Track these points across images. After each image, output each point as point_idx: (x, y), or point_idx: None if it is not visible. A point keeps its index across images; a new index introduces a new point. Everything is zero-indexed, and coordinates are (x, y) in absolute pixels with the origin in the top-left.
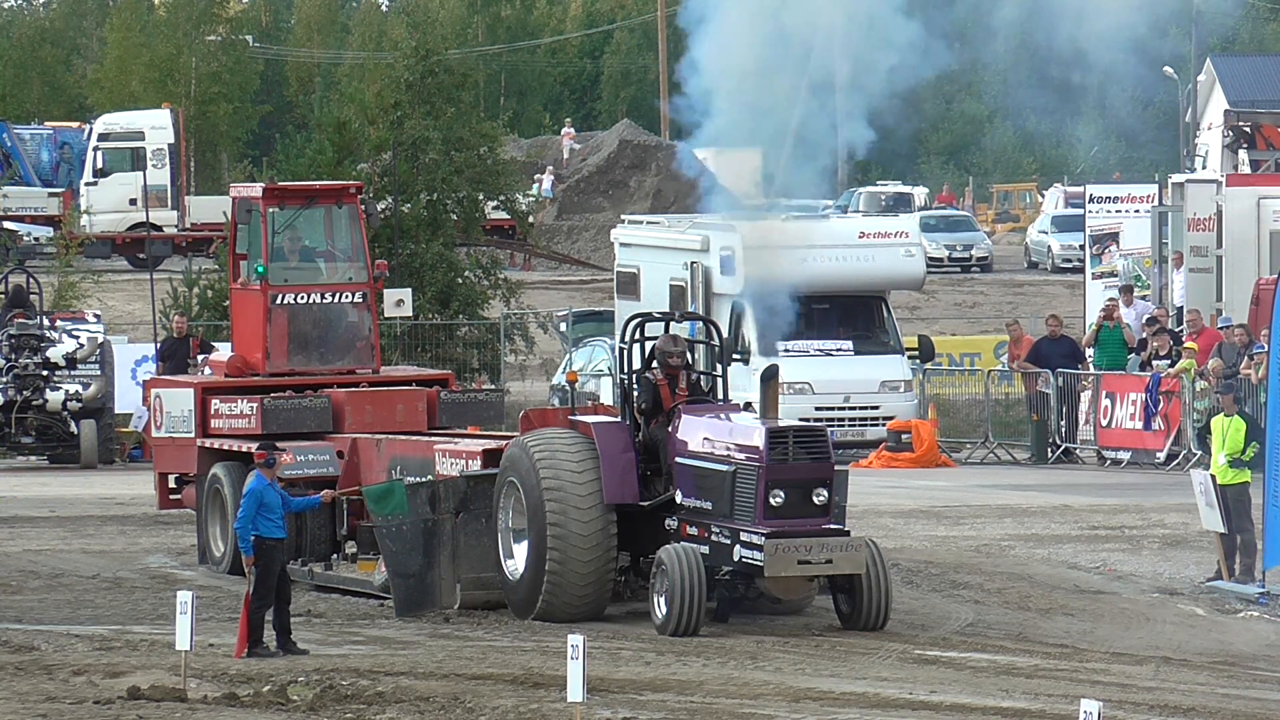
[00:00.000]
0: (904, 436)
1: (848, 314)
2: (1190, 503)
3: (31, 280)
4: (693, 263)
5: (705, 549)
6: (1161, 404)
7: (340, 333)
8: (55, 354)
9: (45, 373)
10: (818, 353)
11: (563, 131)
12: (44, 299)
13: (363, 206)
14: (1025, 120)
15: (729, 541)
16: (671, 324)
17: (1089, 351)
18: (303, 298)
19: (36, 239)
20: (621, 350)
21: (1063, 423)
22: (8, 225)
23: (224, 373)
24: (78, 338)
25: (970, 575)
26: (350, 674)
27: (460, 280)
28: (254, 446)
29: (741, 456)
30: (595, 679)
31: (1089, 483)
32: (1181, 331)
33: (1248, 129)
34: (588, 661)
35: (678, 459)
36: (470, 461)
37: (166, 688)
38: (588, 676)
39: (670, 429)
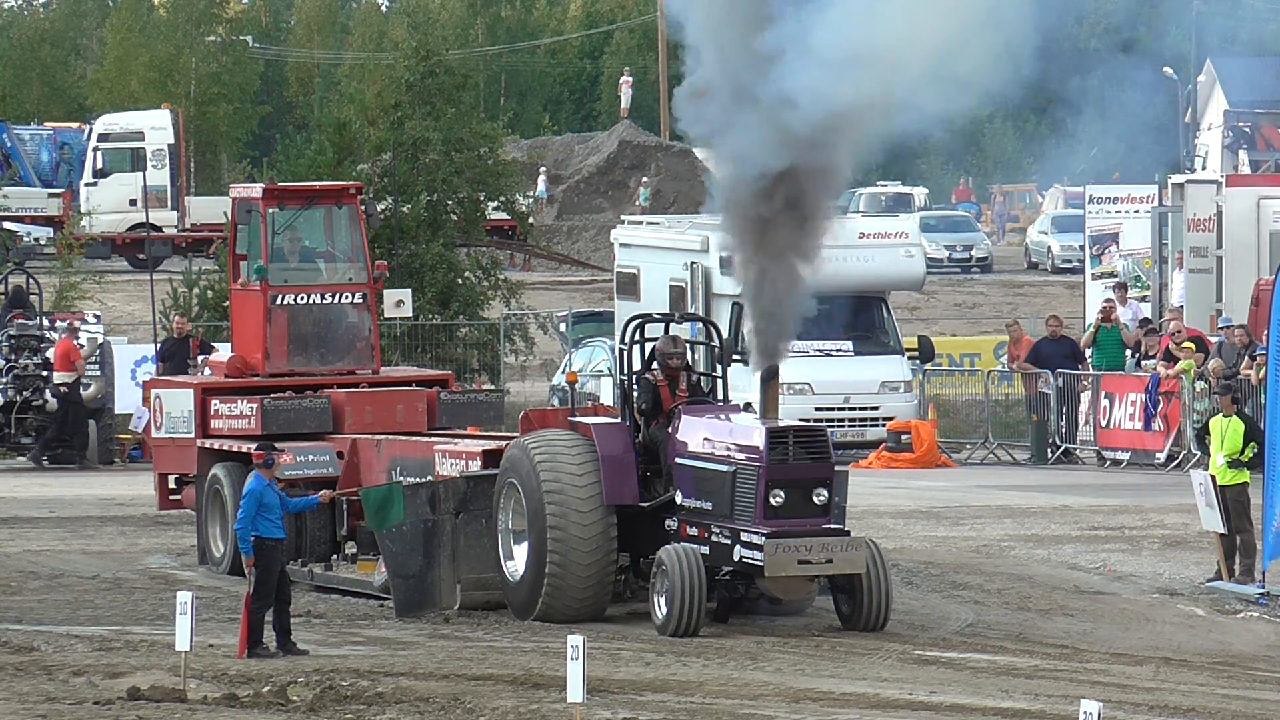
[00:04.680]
0: (904, 437)
1: (848, 314)
2: (1190, 503)
3: (31, 281)
4: (693, 263)
5: (705, 549)
6: (1161, 405)
7: (340, 333)
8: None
9: (45, 373)
10: (817, 353)
11: (621, 80)
12: (44, 299)
13: (362, 207)
14: (1025, 120)
15: (729, 542)
16: (671, 325)
17: (1088, 352)
18: (303, 298)
19: (36, 239)
20: (621, 351)
21: (1062, 423)
22: (7, 226)
23: (224, 373)
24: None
25: (970, 576)
26: (350, 675)
27: (460, 281)
28: (253, 447)
29: (741, 457)
30: (595, 679)
31: (1089, 483)
32: (1161, 329)
33: (1247, 129)
34: (588, 662)
35: (677, 459)
36: (470, 462)
37: (166, 688)
38: (588, 677)
39: (670, 430)
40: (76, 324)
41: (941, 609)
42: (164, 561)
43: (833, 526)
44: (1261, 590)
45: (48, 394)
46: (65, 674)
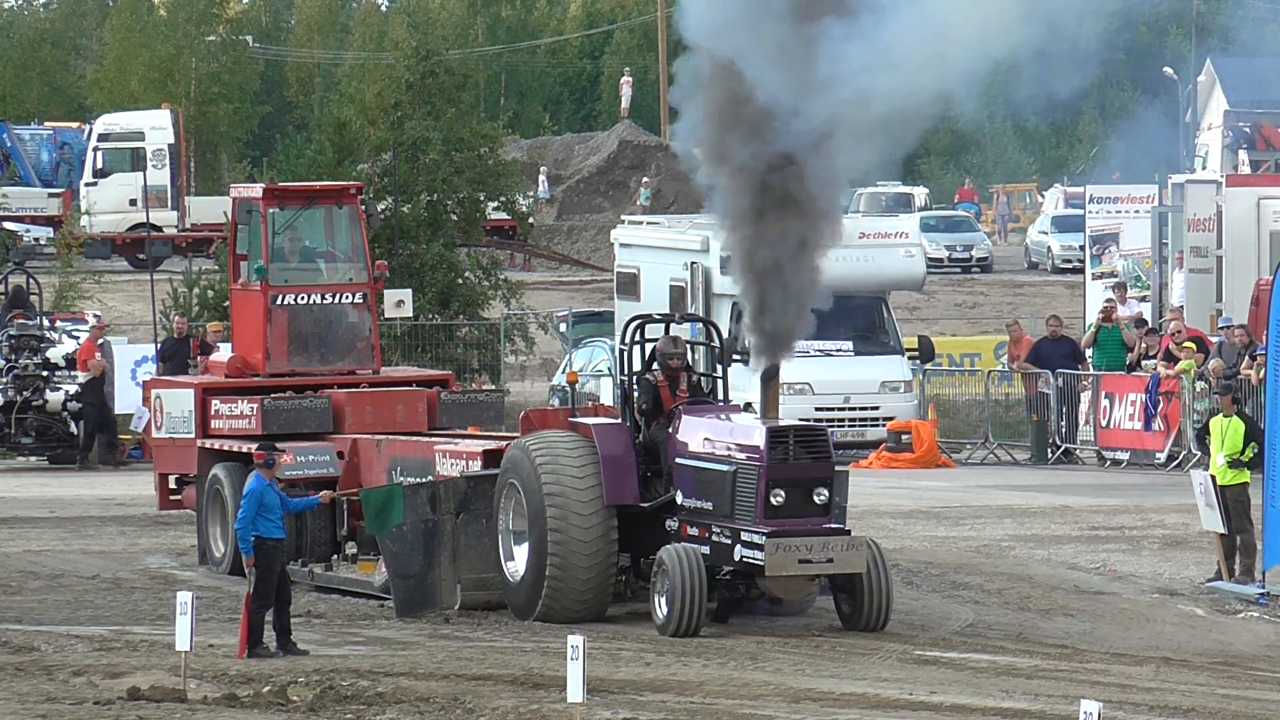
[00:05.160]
0: (904, 437)
1: (848, 314)
2: (1190, 503)
3: (31, 281)
4: (693, 263)
5: (706, 549)
6: (1161, 405)
7: (340, 333)
8: (55, 354)
9: (45, 373)
10: (818, 353)
11: (622, 80)
12: (44, 299)
13: (363, 207)
14: (1025, 121)
15: (729, 541)
16: (671, 325)
17: (1088, 352)
18: (303, 298)
19: (36, 239)
20: (622, 352)
21: (1063, 423)
22: (7, 226)
23: (224, 373)
24: (77, 338)
25: (970, 576)
26: (350, 674)
27: (460, 281)
28: (253, 447)
29: (742, 456)
30: (595, 679)
31: (1089, 483)
32: (1160, 329)
33: (1248, 129)
34: (588, 662)
35: (678, 460)
36: (470, 462)
37: (166, 688)
38: (588, 677)
39: (670, 430)
40: (91, 321)
41: (942, 609)
42: (164, 561)
43: (833, 526)
44: (1262, 590)
45: (47, 394)
46: (65, 674)
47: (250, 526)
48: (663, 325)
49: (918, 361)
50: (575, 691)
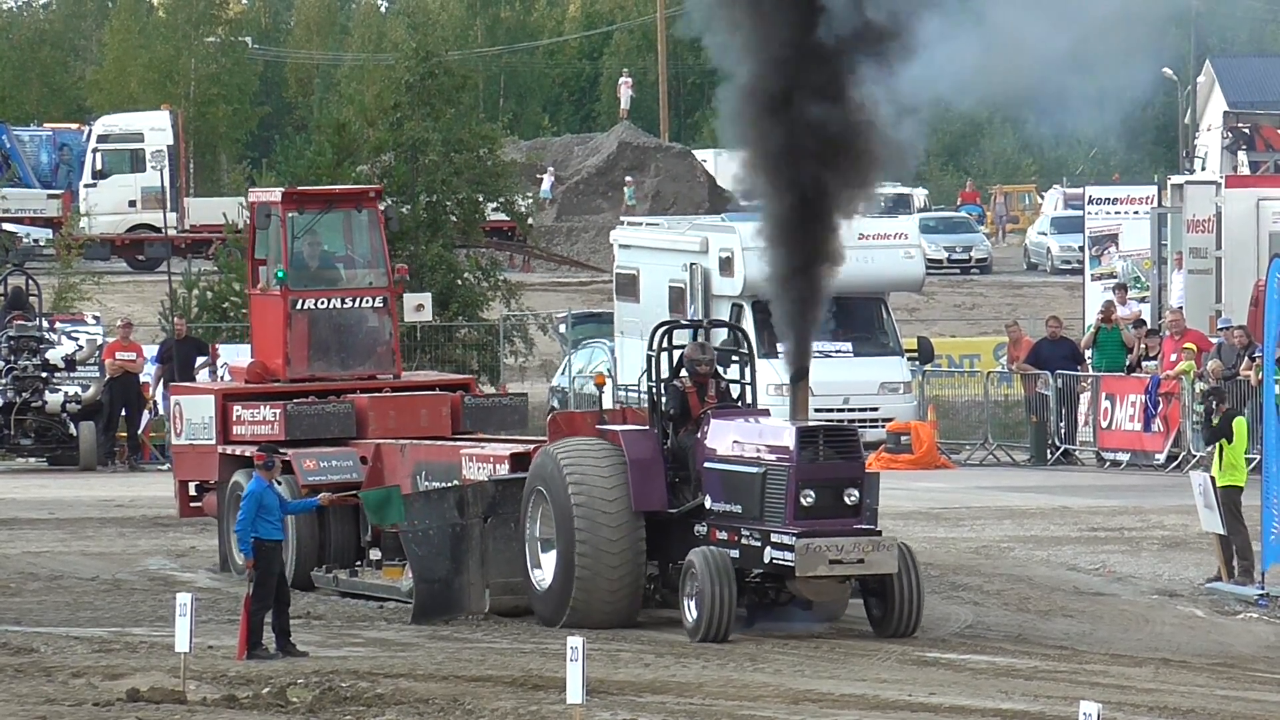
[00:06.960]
0: (903, 438)
1: (847, 315)
2: (1189, 504)
3: (30, 282)
4: (692, 264)
5: (735, 553)
6: (1161, 406)
7: (360, 338)
8: (54, 356)
9: (44, 375)
10: (817, 354)
11: (620, 81)
12: (43, 301)
13: (383, 211)
14: (1024, 121)
15: (759, 544)
16: (699, 331)
17: (1088, 353)
18: (323, 303)
19: (36, 240)
20: (649, 358)
21: (1062, 424)
22: (7, 227)
23: (244, 379)
24: (77, 339)
25: (969, 577)
26: (349, 676)
27: (460, 282)
28: (255, 449)
29: (772, 457)
30: (594, 681)
31: (1088, 484)
32: (1160, 331)
33: (1247, 130)
34: (587, 663)
35: (706, 464)
36: (497, 465)
37: (166, 690)
38: (587, 678)
39: (699, 435)
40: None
41: (941, 610)
42: (163, 563)
43: (864, 526)
44: (1261, 591)
45: (47, 395)
46: (65, 675)
47: (249, 528)
48: (690, 330)
49: (917, 363)
50: (574, 693)
